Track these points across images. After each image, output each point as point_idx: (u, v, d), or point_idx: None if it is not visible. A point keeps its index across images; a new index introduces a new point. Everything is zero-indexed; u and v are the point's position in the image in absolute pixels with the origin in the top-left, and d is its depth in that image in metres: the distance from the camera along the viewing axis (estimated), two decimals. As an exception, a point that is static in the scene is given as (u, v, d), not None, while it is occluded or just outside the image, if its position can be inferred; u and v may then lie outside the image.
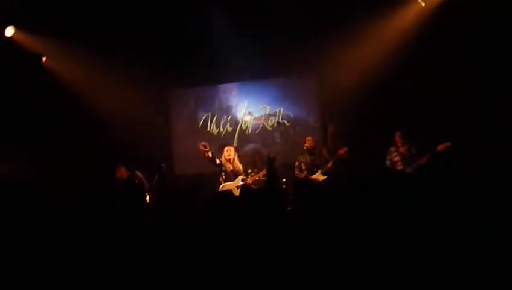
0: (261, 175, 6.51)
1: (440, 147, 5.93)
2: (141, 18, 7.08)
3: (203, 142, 6.59)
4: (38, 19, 6.76)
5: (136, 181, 6.46)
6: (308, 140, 6.98)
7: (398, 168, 6.39)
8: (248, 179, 6.53)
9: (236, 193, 5.90)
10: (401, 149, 6.43)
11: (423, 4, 7.09)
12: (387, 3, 7.08)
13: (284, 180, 6.72)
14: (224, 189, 6.30)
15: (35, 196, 2.89)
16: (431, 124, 6.63)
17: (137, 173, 6.68)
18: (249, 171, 6.72)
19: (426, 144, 6.16)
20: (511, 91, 6.13)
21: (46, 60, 7.54)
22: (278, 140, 8.40)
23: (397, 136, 6.48)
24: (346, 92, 7.34)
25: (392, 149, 6.56)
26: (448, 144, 5.90)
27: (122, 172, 6.71)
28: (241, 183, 6.47)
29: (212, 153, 6.51)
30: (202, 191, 3.21)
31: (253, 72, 8.23)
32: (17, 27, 6.96)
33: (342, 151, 6.65)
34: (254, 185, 6.35)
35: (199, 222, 2.69)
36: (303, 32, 7.36)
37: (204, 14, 7.56)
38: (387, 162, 6.57)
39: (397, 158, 6.47)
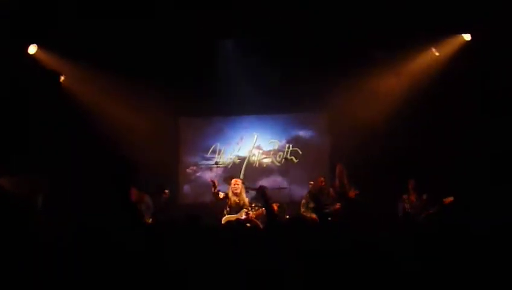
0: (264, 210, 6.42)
1: (446, 201, 5.89)
2: (157, 49, 7.22)
3: (212, 179, 6.66)
4: (61, 40, 6.94)
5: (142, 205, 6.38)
6: (320, 180, 6.92)
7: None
8: (251, 213, 6.45)
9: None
10: (411, 197, 6.38)
11: (437, 53, 7.17)
12: (402, 48, 7.16)
13: (288, 217, 6.64)
14: (227, 221, 6.22)
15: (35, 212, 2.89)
16: (443, 170, 6.57)
17: (146, 197, 6.61)
18: (253, 205, 6.65)
19: (438, 192, 6.09)
20: None
21: (64, 79, 7.69)
22: (284, 176, 8.35)
23: (411, 184, 6.43)
24: (356, 132, 7.36)
25: (404, 197, 6.49)
26: (451, 199, 5.86)
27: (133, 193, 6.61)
28: (244, 216, 6.39)
29: (217, 189, 6.52)
30: (203, 221, 3.17)
31: (265, 106, 8.30)
32: (39, 45, 7.16)
33: (352, 194, 6.55)
34: (257, 219, 6.27)
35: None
36: (315, 71, 7.43)
37: (219, 48, 7.74)
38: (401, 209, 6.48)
39: (407, 205, 6.39)
